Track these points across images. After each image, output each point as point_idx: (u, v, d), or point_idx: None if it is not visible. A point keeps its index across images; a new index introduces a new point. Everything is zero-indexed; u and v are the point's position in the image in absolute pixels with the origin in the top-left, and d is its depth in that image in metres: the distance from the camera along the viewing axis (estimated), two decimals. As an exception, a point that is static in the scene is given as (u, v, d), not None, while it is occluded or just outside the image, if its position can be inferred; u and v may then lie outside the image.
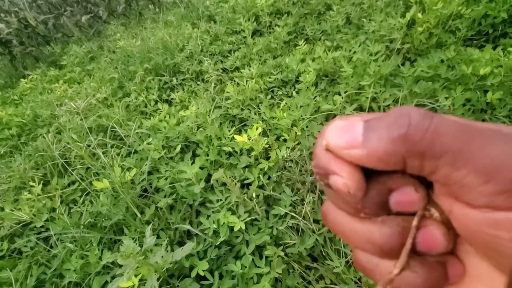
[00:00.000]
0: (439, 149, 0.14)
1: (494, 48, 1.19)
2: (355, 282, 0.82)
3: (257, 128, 1.06)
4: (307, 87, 1.36)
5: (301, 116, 1.21)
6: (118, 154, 1.34)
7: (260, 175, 1.06)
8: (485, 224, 0.14)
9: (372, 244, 0.17)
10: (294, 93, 1.43)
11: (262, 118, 1.32)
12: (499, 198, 0.13)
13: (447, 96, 1.08)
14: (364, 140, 0.15)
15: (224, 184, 1.08)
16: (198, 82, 1.76)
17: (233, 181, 0.99)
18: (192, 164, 1.08)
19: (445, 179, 0.14)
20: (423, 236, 0.16)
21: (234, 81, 1.62)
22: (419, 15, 1.40)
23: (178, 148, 1.25)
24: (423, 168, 0.14)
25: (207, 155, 1.21)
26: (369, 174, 0.16)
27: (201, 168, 1.14)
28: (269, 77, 1.56)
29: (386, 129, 0.14)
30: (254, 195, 0.99)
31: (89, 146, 1.39)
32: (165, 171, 1.19)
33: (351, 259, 0.84)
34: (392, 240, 0.16)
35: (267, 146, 1.13)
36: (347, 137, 0.15)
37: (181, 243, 1.02)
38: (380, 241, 0.16)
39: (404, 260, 0.16)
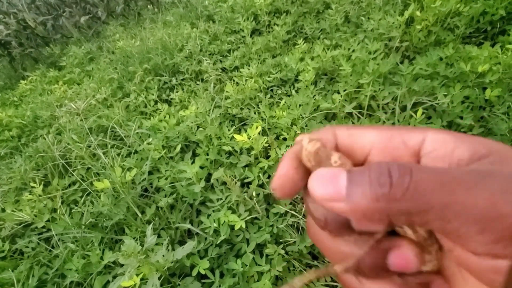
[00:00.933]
0: (424, 206, 0.14)
1: (492, 46, 1.19)
2: (355, 280, 0.82)
3: (256, 127, 1.06)
4: (306, 86, 1.36)
5: (301, 115, 1.22)
6: (118, 155, 1.34)
7: (260, 174, 1.06)
8: (487, 270, 0.14)
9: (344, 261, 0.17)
10: (293, 92, 1.43)
11: (262, 117, 1.32)
12: (498, 246, 0.13)
13: (445, 93, 1.08)
14: (347, 194, 0.15)
15: (224, 183, 1.09)
16: (198, 82, 1.76)
17: (233, 180, 0.99)
18: (192, 163, 1.08)
19: (440, 230, 0.14)
20: (395, 256, 0.17)
21: (234, 80, 1.63)
22: (418, 13, 1.40)
23: (178, 148, 1.26)
24: (413, 222, 0.14)
25: (207, 154, 1.21)
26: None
27: (201, 167, 1.14)
28: (269, 76, 1.57)
29: (369, 186, 0.14)
30: (254, 193, 0.99)
31: (89, 146, 1.39)
32: (166, 170, 1.19)
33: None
34: (364, 260, 0.17)
35: (266, 145, 1.13)
36: (330, 189, 0.15)
37: (182, 242, 1.03)
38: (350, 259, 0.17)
39: (350, 263, 0.16)
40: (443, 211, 0.13)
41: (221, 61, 1.91)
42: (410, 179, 0.14)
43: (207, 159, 1.19)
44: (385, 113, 1.17)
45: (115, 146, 1.44)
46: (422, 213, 0.14)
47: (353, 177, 0.15)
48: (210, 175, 1.14)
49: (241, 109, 1.43)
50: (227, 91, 1.46)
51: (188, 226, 0.99)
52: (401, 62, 1.31)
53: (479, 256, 0.14)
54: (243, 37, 2.03)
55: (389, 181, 0.14)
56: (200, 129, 1.31)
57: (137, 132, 1.41)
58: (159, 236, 1.02)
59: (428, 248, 0.17)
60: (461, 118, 1.05)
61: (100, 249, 1.02)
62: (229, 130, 1.26)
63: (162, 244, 0.87)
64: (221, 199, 1.02)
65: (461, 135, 0.17)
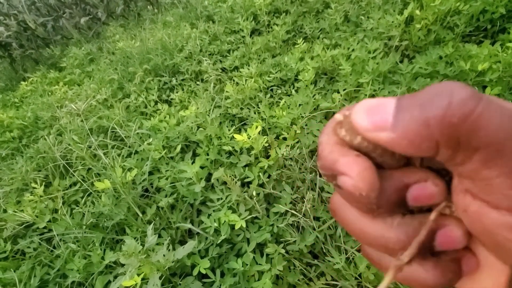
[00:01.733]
0: (480, 141, 0.12)
1: (492, 44, 1.19)
2: (356, 278, 0.83)
3: (256, 127, 1.06)
4: (306, 86, 1.36)
5: (301, 114, 1.22)
6: (119, 155, 1.35)
7: (260, 174, 1.07)
8: (502, 226, 0.13)
9: (387, 248, 0.16)
10: (293, 91, 1.44)
11: (262, 117, 1.32)
12: None
13: (445, 92, 1.08)
14: (394, 121, 0.13)
15: (224, 183, 1.09)
16: (198, 82, 1.76)
17: (233, 180, 1.00)
18: (192, 163, 1.08)
19: (472, 174, 0.13)
20: (443, 235, 0.15)
21: (233, 80, 1.63)
22: (417, 12, 1.40)
23: (179, 148, 1.26)
24: (453, 158, 0.13)
25: (207, 154, 1.22)
26: (381, 168, 0.15)
27: (201, 167, 1.15)
28: (268, 76, 1.57)
29: (420, 108, 0.12)
30: (254, 193, 1.00)
31: (90, 147, 1.40)
32: (166, 171, 1.19)
33: (351, 256, 0.85)
34: (408, 246, 0.15)
35: (266, 144, 1.13)
36: (375, 117, 0.14)
37: (182, 242, 1.03)
38: (396, 246, 0.15)
39: (414, 249, 0.15)
40: (493, 153, 0.12)
41: (221, 61, 1.91)
42: (478, 103, 0.11)
43: (207, 159, 1.19)
44: (385, 112, 1.17)
45: (116, 146, 1.44)
46: (471, 150, 0.12)
47: (403, 102, 0.13)
48: (210, 175, 1.14)
49: (241, 109, 1.43)
50: (227, 91, 1.46)
51: (189, 226, 0.99)
52: (401, 61, 1.31)
53: (497, 211, 0.13)
54: (243, 37, 2.03)
55: (447, 101, 0.12)
56: (200, 129, 1.31)
57: (138, 133, 1.41)
58: (159, 236, 1.03)
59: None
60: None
61: (101, 249, 1.03)
62: (229, 130, 1.26)
63: (163, 244, 0.87)
64: (221, 198, 1.03)
65: None
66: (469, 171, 0.13)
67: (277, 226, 0.95)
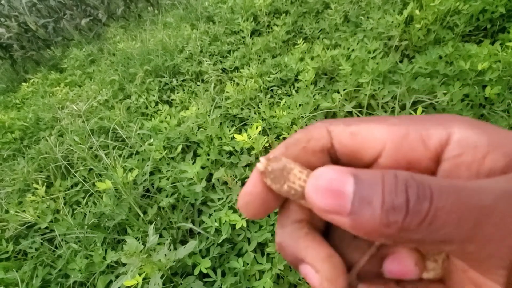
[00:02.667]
0: (443, 238, 0.12)
1: (492, 44, 1.20)
2: (356, 277, 0.83)
3: (257, 127, 1.06)
4: (306, 86, 1.36)
5: (301, 114, 1.22)
6: (120, 155, 1.35)
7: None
8: None
9: None
10: (293, 91, 1.44)
11: (262, 117, 1.33)
12: None
13: (445, 92, 1.09)
14: (352, 210, 0.12)
15: (225, 183, 1.09)
16: (198, 83, 1.77)
17: (234, 179, 1.00)
18: (193, 164, 1.09)
19: (457, 257, 0.13)
20: (392, 264, 0.15)
21: (234, 81, 1.63)
22: (417, 11, 1.40)
23: (179, 148, 1.26)
24: (425, 250, 0.13)
25: (208, 154, 1.22)
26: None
27: (202, 167, 1.15)
28: (269, 77, 1.57)
29: (380, 207, 0.12)
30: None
31: (91, 148, 1.40)
32: (167, 171, 1.20)
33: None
34: None
35: (267, 144, 1.14)
36: (332, 201, 0.13)
37: (183, 242, 1.04)
38: None
39: (353, 276, 0.15)
40: (465, 244, 0.12)
41: (221, 62, 1.92)
42: (430, 206, 0.12)
43: (208, 159, 1.19)
44: (385, 112, 1.17)
45: (117, 147, 1.45)
46: (438, 244, 0.12)
47: (361, 188, 0.13)
48: (211, 175, 1.14)
49: (242, 109, 1.44)
50: (227, 92, 1.46)
51: (190, 225, 1.00)
52: (401, 61, 1.31)
53: (496, 283, 0.12)
54: (243, 37, 2.04)
55: (404, 207, 0.12)
56: (201, 129, 1.32)
57: (138, 133, 1.42)
58: (161, 235, 1.03)
59: (434, 256, 0.15)
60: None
61: (102, 249, 1.03)
62: (229, 130, 1.26)
63: (164, 243, 0.88)
64: (222, 198, 1.03)
65: (497, 133, 0.14)
66: (453, 255, 0.13)
67: (278, 226, 0.95)
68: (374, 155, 0.15)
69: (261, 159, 0.15)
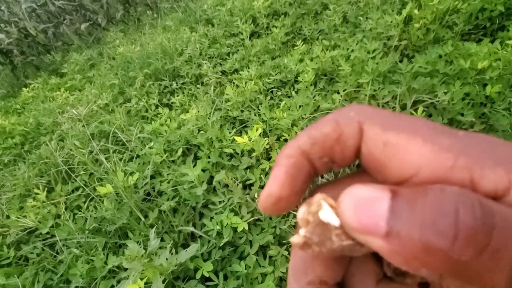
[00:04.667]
0: (491, 282, 0.10)
1: (492, 42, 1.19)
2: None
3: (257, 129, 1.06)
4: (306, 87, 1.36)
5: (301, 115, 1.22)
6: (120, 159, 1.35)
7: (262, 176, 1.07)
8: None
9: None
10: (293, 93, 1.44)
11: (262, 119, 1.32)
12: None
13: (445, 91, 1.08)
14: (388, 230, 0.10)
15: (226, 185, 1.09)
16: (198, 85, 1.77)
17: (235, 182, 1.00)
18: (194, 166, 1.08)
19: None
20: None
21: (233, 83, 1.63)
22: (416, 11, 1.40)
23: (180, 152, 1.26)
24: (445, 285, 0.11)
25: (209, 157, 1.22)
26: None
27: (203, 170, 1.15)
28: (268, 78, 1.57)
29: (419, 228, 0.10)
30: (256, 195, 1.00)
31: (91, 152, 1.40)
32: (168, 174, 1.19)
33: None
34: None
35: (267, 146, 1.13)
36: (366, 218, 0.11)
37: (185, 245, 1.03)
38: None
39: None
40: None
41: (220, 64, 1.92)
42: (492, 233, 0.09)
43: (208, 162, 1.19)
44: (386, 112, 1.17)
45: (117, 151, 1.44)
46: (475, 284, 0.10)
47: (399, 204, 0.11)
48: (212, 177, 1.14)
49: (242, 111, 1.43)
50: (227, 94, 1.46)
51: (191, 229, 0.99)
52: (400, 61, 1.31)
53: None
54: (242, 39, 2.04)
55: (453, 231, 0.09)
56: (201, 132, 1.32)
57: (139, 137, 1.42)
58: (162, 239, 1.03)
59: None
60: (462, 115, 1.05)
61: (104, 254, 1.03)
62: (230, 132, 1.26)
63: (166, 247, 0.87)
64: (223, 201, 1.03)
65: None
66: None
67: (280, 228, 0.95)
68: (402, 178, 0.13)
69: (300, 232, 0.13)
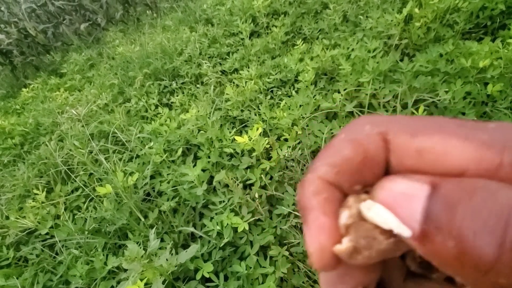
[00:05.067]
0: None
1: (493, 40, 1.19)
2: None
3: (257, 129, 1.06)
4: (306, 86, 1.36)
5: (301, 115, 1.21)
6: (120, 160, 1.35)
7: (262, 175, 1.06)
8: None
9: None
10: (293, 92, 1.43)
11: (262, 118, 1.32)
12: None
13: (447, 90, 1.08)
14: (422, 233, 0.10)
15: (226, 185, 1.08)
16: (198, 85, 1.76)
17: (235, 182, 0.99)
18: (194, 166, 1.08)
19: None
20: None
21: (233, 82, 1.63)
22: (416, 10, 1.39)
23: (180, 151, 1.26)
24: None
25: (209, 157, 1.21)
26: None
27: (203, 170, 1.14)
28: (268, 78, 1.57)
29: (457, 237, 0.09)
30: (256, 195, 0.99)
31: (91, 152, 1.40)
32: (167, 174, 1.19)
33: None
34: None
35: (268, 146, 1.13)
36: (401, 217, 0.10)
37: (185, 246, 1.02)
38: None
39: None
40: None
41: (220, 64, 1.91)
42: None
43: (208, 161, 1.18)
44: (386, 111, 1.16)
45: (117, 151, 1.44)
46: None
47: (437, 207, 0.10)
48: (212, 177, 1.13)
49: (242, 111, 1.43)
50: (227, 94, 1.46)
51: (191, 229, 0.99)
52: (401, 60, 1.30)
53: None
54: (242, 39, 2.03)
55: (497, 248, 0.08)
56: (201, 132, 1.31)
57: (138, 137, 1.41)
58: (162, 240, 1.02)
59: None
60: (464, 114, 1.04)
61: (103, 255, 1.02)
62: (230, 132, 1.25)
63: (166, 248, 0.87)
64: (223, 201, 1.02)
65: None
66: None
67: (280, 228, 0.94)
68: None
69: (344, 241, 0.12)
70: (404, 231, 0.10)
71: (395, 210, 0.10)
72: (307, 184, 0.13)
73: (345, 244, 0.12)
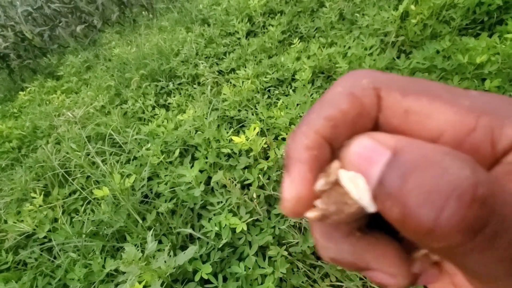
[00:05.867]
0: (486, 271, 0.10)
1: (490, 36, 1.18)
2: (361, 279, 0.81)
3: (254, 128, 1.05)
4: (304, 85, 1.35)
5: (299, 114, 1.21)
6: (117, 161, 1.34)
7: (260, 175, 1.06)
8: None
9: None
10: (290, 91, 1.43)
11: (260, 118, 1.31)
12: None
13: (444, 86, 1.07)
14: (375, 195, 0.10)
15: (224, 186, 1.08)
16: (195, 86, 1.76)
17: (233, 182, 0.99)
18: (191, 167, 1.07)
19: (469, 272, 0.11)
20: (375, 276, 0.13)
21: (230, 82, 1.62)
22: (412, 7, 1.39)
23: (177, 152, 1.25)
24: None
25: (206, 158, 1.21)
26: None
27: (200, 171, 1.14)
28: (265, 77, 1.56)
29: (403, 206, 0.10)
30: (254, 195, 0.98)
31: (88, 154, 1.39)
32: (165, 176, 1.18)
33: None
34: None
35: (265, 146, 1.12)
36: (364, 172, 0.11)
37: (184, 247, 1.02)
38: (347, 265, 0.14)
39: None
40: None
41: (217, 64, 1.91)
42: (492, 213, 0.09)
43: (206, 162, 1.18)
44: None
45: (114, 153, 1.43)
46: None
47: (392, 174, 0.10)
48: (209, 178, 1.13)
49: (239, 110, 1.42)
50: (224, 94, 1.45)
51: (190, 230, 0.98)
52: (398, 57, 1.30)
53: None
54: (239, 39, 2.03)
55: (434, 220, 0.09)
56: (199, 132, 1.30)
57: (136, 138, 1.40)
58: (160, 242, 1.02)
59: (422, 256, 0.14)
60: (461, 110, 1.04)
61: (101, 258, 1.02)
62: (227, 132, 1.25)
63: (164, 250, 0.86)
64: (221, 202, 1.01)
65: None
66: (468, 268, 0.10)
67: (279, 228, 0.94)
68: (429, 140, 0.12)
69: (310, 212, 0.13)
70: (362, 200, 0.11)
71: (359, 171, 0.11)
72: (299, 137, 0.13)
73: (315, 212, 0.12)
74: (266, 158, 1.15)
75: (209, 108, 1.43)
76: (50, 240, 1.15)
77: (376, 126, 0.13)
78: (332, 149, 0.13)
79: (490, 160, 0.12)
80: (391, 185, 0.10)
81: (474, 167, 0.09)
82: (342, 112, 0.13)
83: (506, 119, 0.11)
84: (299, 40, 1.61)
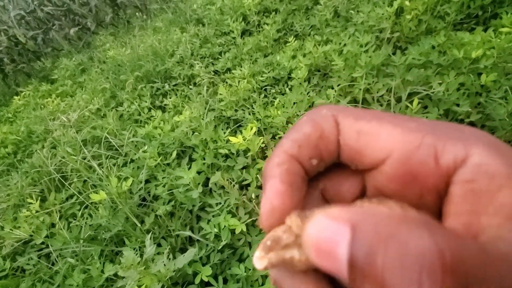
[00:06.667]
0: None
1: (485, 30, 1.18)
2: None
3: (251, 128, 1.04)
4: (300, 83, 1.34)
5: (296, 112, 1.20)
6: (114, 165, 1.33)
7: (258, 175, 1.05)
8: None
9: None
10: (287, 90, 1.42)
11: (257, 117, 1.31)
12: None
13: (440, 82, 1.07)
14: (350, 279, 0.10)
15: (222, 187, 1.07)
16: (190, 86, 1.75)
17: (231, 183, 0.98)
18: (189, 169, 1.06)
19: None
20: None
21: (226, 82, 1.61)
22: (407, 2, 1.39)
23: (174, 154, 1.24)
24: None
25: (204, 159, 1.20)
26: None
27: (198, 172, 1.13)
28: (261, 76, 1.55)
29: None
30: (253, 196, 0.98)
31: (84, 158, 1.38)
32: (163, 178, 1.17)
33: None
34: None
35: (263, 145, 1.12)
36: (328, 264, 0.11)
37: (183, 250, 1.01)
38: None
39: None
40: None
41: (213, 64, 1.90)
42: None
43: (203, 163, 1.17)
44: (381, 105, 1.16)
45: (110, 156, 1.42)
46: None
47: (359, 254, 0.10)
48: (207, 179, 1.12)
49: (236, 110, 1.41)
50: (220, 94, 1.44)
51: (189, 233, 0.97)
52: (393, 53, 1.29)
53: None
54: (234, 38, 2.01)
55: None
56: (195, 133, 1.29)
57: (132, 141, 1.39)
58: (159, 245, 1.01)
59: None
60: (458, 105, 1.04)
61: (100, 262, 1.01)
62: (224, 132, 1.24)
63: (163, 253, 0.85)
64: (220, 203, 1.01)
65: None
66: None
67: (278, 228, 0.93)
68: (377, 162, 0.14)
69: (257, 254, 0.13)
70: (341, 275, 0.11)
71: (326, 255, 0.11)
72: (272, 158, 0.15)
73: (264, 263, 0.13)
74: (264, 157, 1.14)
75: (205, 108, 1.42)
76: (47, 246, 1.14)
77: (338, 147, 0.15)
78: (301, 166, 0.15)
79: (434, 174, 0.13)
80: (363, 266, 0.10)
81: (430, 230, 0.10)
82: (306, 135, 0.15)
83: (449, 139, 0.13)
84: (294, 38, 1.61)
